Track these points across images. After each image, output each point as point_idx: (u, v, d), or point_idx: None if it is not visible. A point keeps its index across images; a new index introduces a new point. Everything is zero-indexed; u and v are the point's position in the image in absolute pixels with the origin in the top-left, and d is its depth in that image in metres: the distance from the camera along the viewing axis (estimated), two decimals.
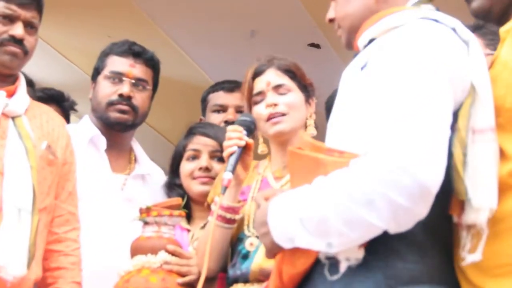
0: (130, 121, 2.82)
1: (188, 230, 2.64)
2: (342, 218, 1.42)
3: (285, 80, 2.42)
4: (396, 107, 1.45)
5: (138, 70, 2.84)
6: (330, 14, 1.84)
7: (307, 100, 2.44)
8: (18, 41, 2.33)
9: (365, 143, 1.47)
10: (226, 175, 2.20)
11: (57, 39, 5.39)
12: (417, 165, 1.38)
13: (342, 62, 4.35)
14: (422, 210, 1.42)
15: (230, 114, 3.10)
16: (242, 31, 5.14)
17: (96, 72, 2.89)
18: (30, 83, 2.85)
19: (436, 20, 1.59)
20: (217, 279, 2.39)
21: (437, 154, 1.41)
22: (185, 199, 2.53)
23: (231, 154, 2.25)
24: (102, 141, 2.81)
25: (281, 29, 5.01)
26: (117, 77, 2.82)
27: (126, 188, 2.82)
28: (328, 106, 2.80)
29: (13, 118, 2.32)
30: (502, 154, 1.50)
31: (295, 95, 2.41)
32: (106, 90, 2.82)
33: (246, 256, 2.31)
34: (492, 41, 2.32)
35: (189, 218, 2.67)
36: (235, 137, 2.28)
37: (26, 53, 2.37)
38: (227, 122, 2.99)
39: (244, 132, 2.30)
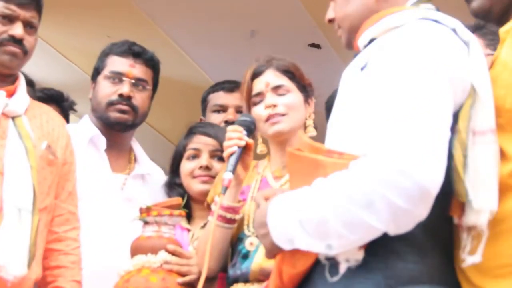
0: (130, 121, 2.82)
1: (188, 230, 2.64)
2: (341, 220, 1.42)
3: (284, 81, 2.42)
4: (396, 108, 1.44)
5: (138, 70, 2.84)
6: (329, 14, 1.83)
7: (306, 101, 2.44)
8: (17, 41, 2.33)
9: (365, 144, 1.47)
10: (226, 175, 2.20)
11: (57, 39, 5.39)
12: (417, 167, 1.37)
13: (342, 62, 4.35)
14: (422, 212, 1.41)
15: (230, 114, 3.10)
16: (242, 31, 5.14)
17: (96, 72, 2.89)
18: (30, 83, 2.85)
19: (436, 21, 1.59)
20: (217, 279, 2.40)
21: (437, 156, 1.40)
22: (185, 198, 2.54)
23: (231, 154, 2.25)
24: (102, 141, 2.81)
25: (281, 29, 5.01)
26: (117, 77, 2.82)
27: (126, 188, 2.82)
28: (328, 106, 2.80)
29: (13, 118, 2.32)
30: (502, 154, 1.49)
31: (294, 96, 2.41)
32: (106, 90, 2.82)
33: (246, 256, 2.31)
34: (492, 41, 2.32)
35: (189, 217, 2.66)
36: (235, 137, 2.28)
37: (26, 53, 2.37)
38: (227, 122, 2.99)
39: (244, 132, 2.30)
